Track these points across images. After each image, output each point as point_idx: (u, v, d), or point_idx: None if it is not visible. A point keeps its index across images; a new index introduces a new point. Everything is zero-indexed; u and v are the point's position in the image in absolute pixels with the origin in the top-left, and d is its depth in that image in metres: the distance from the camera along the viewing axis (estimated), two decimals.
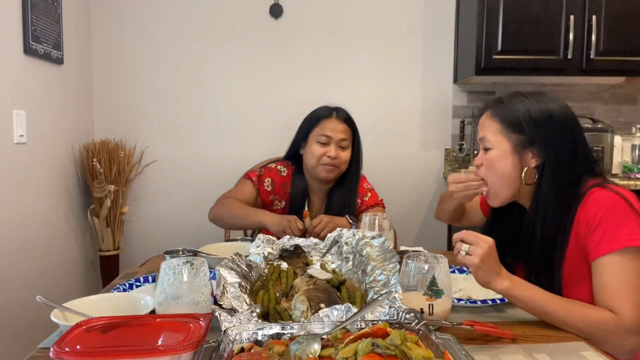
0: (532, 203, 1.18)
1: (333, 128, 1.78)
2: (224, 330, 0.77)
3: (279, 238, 1.25)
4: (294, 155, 1.87)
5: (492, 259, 1.01)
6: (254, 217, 1.69)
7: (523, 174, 1.16)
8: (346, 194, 1.84)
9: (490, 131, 1.19)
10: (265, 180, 1.83)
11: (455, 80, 2.99)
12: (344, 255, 1.18)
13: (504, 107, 1.20)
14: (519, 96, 1.21)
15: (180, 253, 1.38)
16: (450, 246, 1.55)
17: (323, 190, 1.87)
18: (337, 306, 0.86)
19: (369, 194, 1.90)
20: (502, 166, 1.18)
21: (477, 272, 1.01)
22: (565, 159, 1.14)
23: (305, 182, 1.85)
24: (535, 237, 1.16)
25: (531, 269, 1.19)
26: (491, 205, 1.27)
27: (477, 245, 1.00)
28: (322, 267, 1.15)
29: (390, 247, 1.09)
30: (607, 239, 1.05)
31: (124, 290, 1.20)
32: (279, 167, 1.87)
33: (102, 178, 2.58)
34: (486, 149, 1.21)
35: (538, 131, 1.15)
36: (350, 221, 1.61)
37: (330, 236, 1.23)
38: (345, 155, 1.80)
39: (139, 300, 1.04)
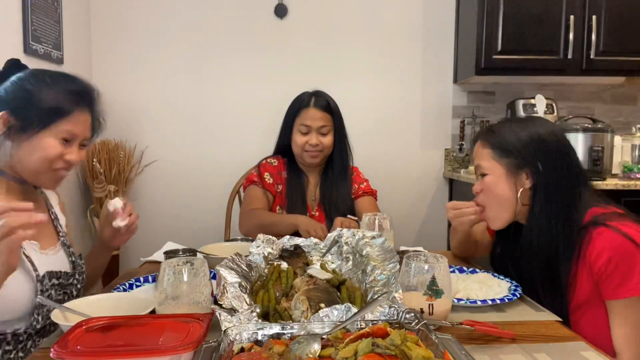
0: (527, 220, 1.23)
1: (312, 117, 1.85)
2: (224, 330, 0.77)
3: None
4: (283, 147, 1.94)
5: None
6: (287, 220, 1.73)
7: (519, 195, 1.22)
8: (337, 174, 1.92)
9: (484, 158, 1.26)
10: (265, 175, 1.91)
11: (455, 80, 2.99)
12: (344, 255, 1.18)
13: (493, 135, 1.26)
14: (507, 123, 1.30)
15: (180, 253, 1.38)
16: (449, 246, 1.57)
17: (315, 171, 1.96)
18: (337, 306, 0.85)
19: (365, 183, 1.98)
20: (499, 189, 1.24)
21: None
22: (557, 176, 1.20)
23: (299, 168, 1.95)
24: (533, 253, 1.21)
25: (542, 286, 1.21)
26: (493, 229, 1.33)
27: None
28: (322, 267, 1.15)
29: (391, 247, 1.09)
30: (624, 285, 1.10)
31: (124, 290, 1.20)
32: (268, 160, 1.96)
33: (102, 178, 2.58)
34: (482, 175, 1.27)
35: (526, 153, 1.21)
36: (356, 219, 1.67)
37: (330, 236, 1.23)
38: (327, 140, 1.87)
39: (139, 300, 1.04)
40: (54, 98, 1.12)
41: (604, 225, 1.13)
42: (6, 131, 1.11)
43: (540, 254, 1.20)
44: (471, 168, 2.82)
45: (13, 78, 1.15)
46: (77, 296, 1.20)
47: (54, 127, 1.12)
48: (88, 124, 1.19)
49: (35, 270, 1.12)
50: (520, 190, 1.21)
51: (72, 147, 1.16)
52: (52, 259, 1.21)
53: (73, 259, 1.28)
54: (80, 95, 1.17)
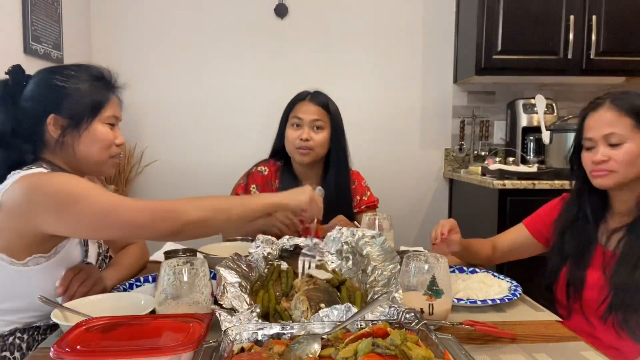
0: None
1: (305, 110, 1.76)
2: (224, 330, 0.77)
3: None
4: (279, 150, 1.85)
5: None
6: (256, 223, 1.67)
7: None
8: (336, 182, 1.80)
9: (622, 127, 1.23)
10: (252, 188, 1.81)
11: (455, 80, 2.99)
12: (344, 255, 1.18)
13: (629, 104, 1.24)
14: (633, 93, 1.27)
15: (180, 253, 1.38)
16: None
17: (312, 178, 1.83)
18: (337, 306, 0.85)
19: (368, 193, 1.89)
20: (638, 158, 1.22)
21: None
22: None
23: (294, 174, 1.84)
24: None
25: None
26: (603, 187, 1.28)
27: None
28: (322, 267, 1.15)
29: (391, 247, 1.09)
30: None
31: (124, 290, 1.20)
32: (259, 168, 1.85)
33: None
34: (615, 145, 1.24)
35: None
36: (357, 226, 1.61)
37: (330, 236, 1.23)
38: (320, 137, 1.76)
39: (139, 300, 1.04)
40: (90, 88, 1.17)
41: None
42: (62, 133, 1.14)
43: None
44: (471, 168, 2.82)
45: (34, 82, 1.16)
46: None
47: (102, 114, 1.17)
48: (119, 106, 1.25)
49: (86, 257, 1.22)
50: None
51: (117, 130, 1.23)
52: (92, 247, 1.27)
53: (100, 251, 1.33)
54: (108, 80, 1.22)
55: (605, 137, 1.24)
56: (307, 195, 1.24)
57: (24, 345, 1.11)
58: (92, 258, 1.26)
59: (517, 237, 1.49)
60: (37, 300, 1.08)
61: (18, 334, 1.11)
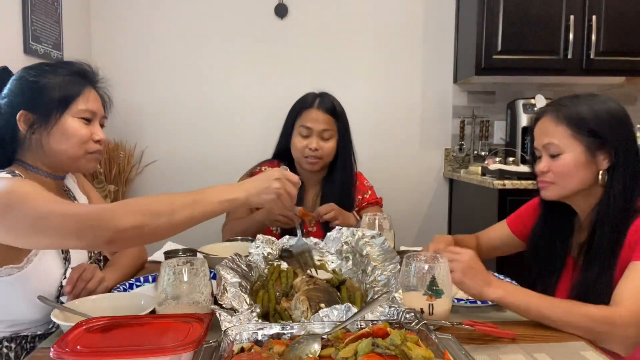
0: (603, 201, 1.16)
1: (314, 119, 1.72)
2: (224, 330, 0.77)
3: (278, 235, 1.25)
4: (283, 151, 1.83)
5: (474, 270, 1.04)
6: (254, 219, 1.68)
7: (600, 177, 1.16)
8: (340, 185, 1.80)
9: (558, 136, 1.17)
10: None
11: (455, 80, 2.99)
12: (344, 255, 1.18)
13: (568, 111, 1.18)
14: (579, 98, 1.21)
15: (180, 253, 1.38)
16: None
17: (315, 181, 1.84)
18: (337, 306, 0.86)
19: (369, 192, 1.88)
20: (576, 170, 1.17)
21: (462, 286, 1.05)
22: (633, 157, 1.16)
23: (297, 174, 1.83)
24: (601, 234, 1.15)
25: (599, 263, 1.15)
26: (546, 198, 1.25)
27: (456, 261, 1.04)
28: (322, 267, 1.15)
29: (391, 247, 1.09)
30: None
31: (124, 290, 1.20)
32: (263, 169, 1.83)
33: (102, 178, 2.58)
34: (554, 155, 1.19)
35: (608, 132, 1.15)
36: (357, 218, 1.60)
37: (330, 235, 1.23)
38: (329, 146, 1.74)
39: (139, 300, 1.04)
40: (61, 82, 1.13)
41: None
42: (29, 129, 1.11)
43: (607, 234, 1.14)
44: (472, 168, 2.82)
45: (12, 79, 1.15)
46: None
47: (73, 108, 1.13)
48: (99, 101, 1.22)
49: (68, 261, 1.18)
50: (600, 172, 1.16)
51: (95, 126, 1.18)
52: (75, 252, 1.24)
53: (91, 254, 1.30)
54: (84, 74, 1.19)
55: (544, 147, 1.20)
56: (273, 192, 1.09)
57: (12, 355, 1.10)
58: (79, 262, 1.22)
59: (500, 236, 1.48)
60: (16, 310, 1.07)
61: (5, 343, 1.10)
